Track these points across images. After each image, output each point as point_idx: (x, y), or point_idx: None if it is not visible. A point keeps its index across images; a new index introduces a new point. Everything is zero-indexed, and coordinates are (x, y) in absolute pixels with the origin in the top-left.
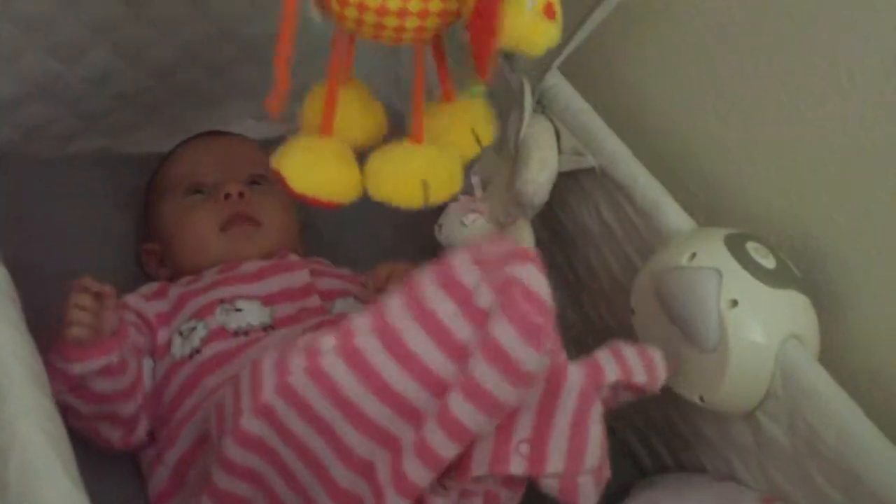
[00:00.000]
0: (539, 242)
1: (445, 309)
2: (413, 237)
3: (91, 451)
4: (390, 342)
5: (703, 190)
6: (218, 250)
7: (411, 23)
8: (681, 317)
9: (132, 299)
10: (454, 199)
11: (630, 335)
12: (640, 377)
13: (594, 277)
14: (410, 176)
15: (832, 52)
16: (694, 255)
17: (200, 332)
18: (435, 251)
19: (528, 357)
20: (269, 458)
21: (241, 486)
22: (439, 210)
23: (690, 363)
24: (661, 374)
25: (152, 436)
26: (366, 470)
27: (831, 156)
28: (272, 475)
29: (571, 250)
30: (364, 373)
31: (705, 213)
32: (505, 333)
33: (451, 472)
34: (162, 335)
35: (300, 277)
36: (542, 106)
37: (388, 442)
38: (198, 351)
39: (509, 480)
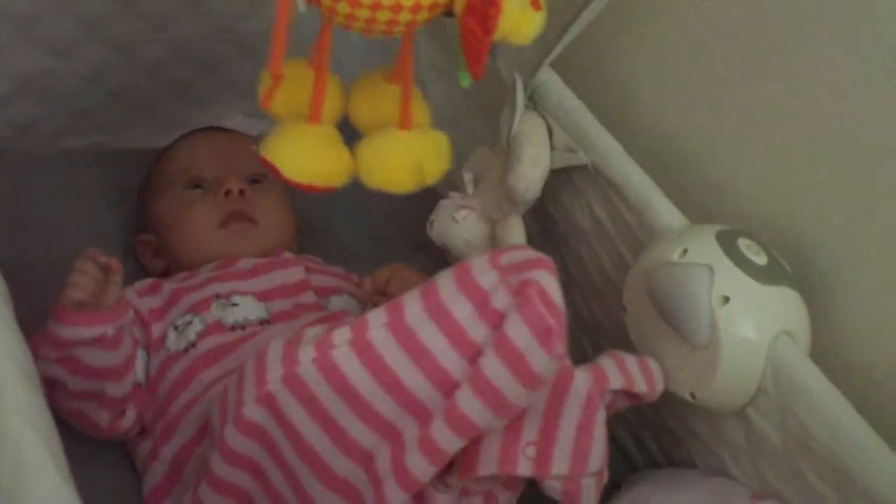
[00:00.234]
0: (531, 239)
1: (462, 309)
2: (405, 233)
3: (83, 449)
4: (405, 339)
5: (695, 187)
6: (215, 246)
7: (404, 17)
8: (672, 313)
9: (125, 294)
10: (446, 195)
11: (622, 332)
12: (641, 387)
13: (586, 274)
14: (402, 162)
15: (826, 50)
16: (685, 251)
17: (196, 326)
18: (427, 247)
19: (540, 358)
20: (269, 447)
21: (239, 476)
22: (431, 206)
23: (682, 360)
24: (660, 385)
25: (144, 429)
26: (364, 460)
27: (823, 153)
28: (269, 465)
29: (563, 247)
30: (376, 367)
31: (697, 210)
32: (519, 333)
33: (453, 469)
34: (156, 329)
35: (295, 274)
36: (533, 102)
37: (391, 435)
38: (193, 345)
39: (509, 481)
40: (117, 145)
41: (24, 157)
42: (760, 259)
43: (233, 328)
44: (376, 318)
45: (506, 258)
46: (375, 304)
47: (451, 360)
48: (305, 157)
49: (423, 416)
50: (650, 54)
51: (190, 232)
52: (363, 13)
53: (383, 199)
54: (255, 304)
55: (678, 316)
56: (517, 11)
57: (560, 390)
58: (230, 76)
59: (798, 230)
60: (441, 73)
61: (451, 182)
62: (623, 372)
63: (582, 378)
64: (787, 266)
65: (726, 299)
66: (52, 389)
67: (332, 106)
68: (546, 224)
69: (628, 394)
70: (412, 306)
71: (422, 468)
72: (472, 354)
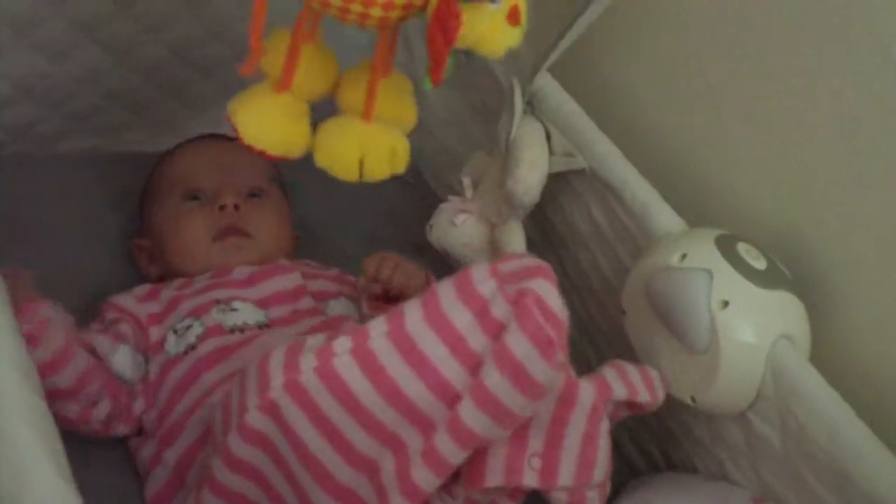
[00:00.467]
0: (530, 243)
1: (462, 318)
2: (404, 237)
3: (84, 450)
4: (406, 348)
5: (693, 191)
6: (208, 259)
7: (375, 12)
8: (671, 318)
9: (123, 300)
10: (445, 199)
11: (621, 336)
12: (643, 396)
13: (585, 278)
14: (346, 152)
15: (823, 53)
16: (685, 255)
17: (196, 329)
18: (426, 251)
19: (541, 369)
20: (272, 454)
21: (242, 483)
22: (431, 209)
23: (682, 364)
24: (661, 395)
25: (143, 431)
26: (369, 470)
27: (821, 157)
28: (273, 473)
29: (562, 251)
30: (377, 376)
31: (696, 214)
32: (519, 344)
33: (457, 479)
34: (154, 333)
35: (292, 280)
36: (531, 107)
37: (395, 445)
38: (193, 347)
39: (514, 492)
40: (114, 148)
41: (22, 160)
42: (759, 263)
43: (232, 331)
44: (377, 327)
45: (505, 267)
46: (371, 293)
47: (451, 370)
48: (267, 124)
49: (424, 425)
50: (648, 58)
51: (183, 244)
52: (336, 1)
53: (382, 201)
54: (254, 310)
55: (678, 320)
56: (485, 24)
57: (565, 401)
58: (227, 78)
59: (797, 234)
60: None
61: (450, 186)
62: (626, 382)
63: (587, 389)
64: (786, 270)
65: (726, 304)
66: None
67: (313, 79)
68: (545, 228)
69: (631, 404)
70: (413, 315)
71: (426, 480)
72: (473, 364)
